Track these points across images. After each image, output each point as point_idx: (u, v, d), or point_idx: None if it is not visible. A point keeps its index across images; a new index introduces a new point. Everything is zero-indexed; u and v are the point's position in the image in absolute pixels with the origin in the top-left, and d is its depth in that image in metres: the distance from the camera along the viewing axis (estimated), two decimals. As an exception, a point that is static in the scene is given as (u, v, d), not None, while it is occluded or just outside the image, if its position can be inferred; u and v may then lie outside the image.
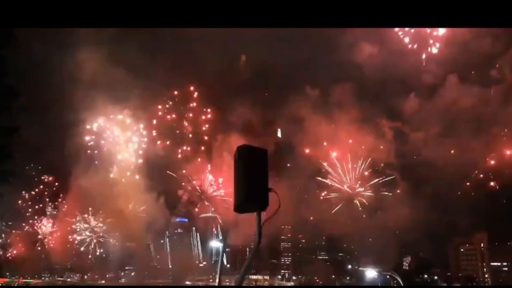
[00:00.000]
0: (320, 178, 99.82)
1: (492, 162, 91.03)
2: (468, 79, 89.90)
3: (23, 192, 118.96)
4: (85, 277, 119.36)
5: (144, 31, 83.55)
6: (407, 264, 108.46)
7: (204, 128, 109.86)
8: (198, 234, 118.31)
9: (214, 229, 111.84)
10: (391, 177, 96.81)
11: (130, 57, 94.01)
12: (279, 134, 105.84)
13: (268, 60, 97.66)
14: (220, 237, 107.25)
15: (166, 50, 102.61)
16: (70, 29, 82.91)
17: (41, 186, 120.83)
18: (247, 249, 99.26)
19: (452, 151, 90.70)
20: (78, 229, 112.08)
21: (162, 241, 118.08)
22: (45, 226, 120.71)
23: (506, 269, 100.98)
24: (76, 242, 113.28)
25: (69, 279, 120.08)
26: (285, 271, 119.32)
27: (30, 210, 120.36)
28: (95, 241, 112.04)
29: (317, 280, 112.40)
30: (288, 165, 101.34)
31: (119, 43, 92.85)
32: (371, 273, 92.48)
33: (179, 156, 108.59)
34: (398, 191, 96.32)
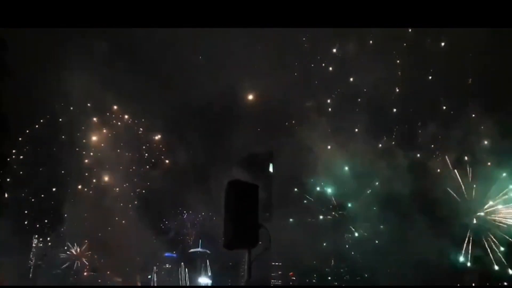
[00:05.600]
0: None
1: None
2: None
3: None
4: None
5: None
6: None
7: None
8: (187, 269, 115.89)
9: (203, 265, 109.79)
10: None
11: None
12: (271, 169, 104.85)
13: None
14: (209, 273, 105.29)
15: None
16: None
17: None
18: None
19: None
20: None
21: (149, 277, 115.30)
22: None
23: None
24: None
25: None
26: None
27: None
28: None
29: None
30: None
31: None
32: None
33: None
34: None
